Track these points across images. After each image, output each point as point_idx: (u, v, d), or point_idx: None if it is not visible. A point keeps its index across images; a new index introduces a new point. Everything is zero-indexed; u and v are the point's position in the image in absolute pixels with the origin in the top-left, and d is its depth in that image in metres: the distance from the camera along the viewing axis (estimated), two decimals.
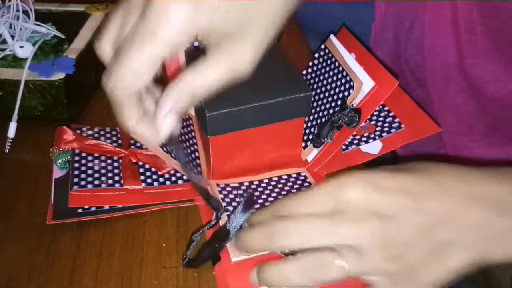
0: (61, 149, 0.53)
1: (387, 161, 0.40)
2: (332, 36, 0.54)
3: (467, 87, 0.58)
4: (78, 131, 0.55)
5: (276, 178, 0.50)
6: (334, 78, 0.52)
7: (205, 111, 0.45)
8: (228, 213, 0.46)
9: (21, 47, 0.60)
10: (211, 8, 0.31)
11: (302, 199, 0.36)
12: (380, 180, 0.34)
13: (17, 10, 0.63)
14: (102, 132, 0.55)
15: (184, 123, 0.54)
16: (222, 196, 0.48)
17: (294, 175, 0.51)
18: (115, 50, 0.31)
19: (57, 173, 0.51)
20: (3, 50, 0.61)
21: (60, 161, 0.52)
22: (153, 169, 0.51)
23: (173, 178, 0.50)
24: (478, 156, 0.60)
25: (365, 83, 0.49)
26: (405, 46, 0.64)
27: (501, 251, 0.34)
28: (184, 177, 0.50)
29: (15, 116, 0.57)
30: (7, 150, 0.56)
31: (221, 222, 0.45)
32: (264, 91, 0.47)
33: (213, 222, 0.45)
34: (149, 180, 0.50)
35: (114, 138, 0.54)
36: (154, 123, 0.32)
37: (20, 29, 0.63)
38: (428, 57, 0.60)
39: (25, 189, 0.51)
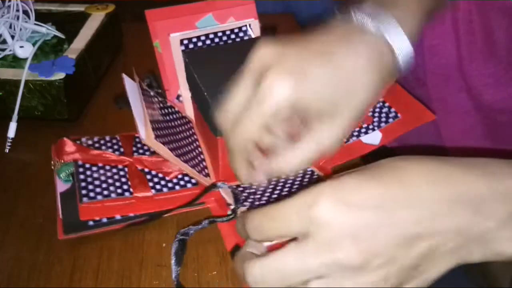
0: (63, 161, 0.51)
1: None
2: None
3: (466, 87, 0.58)
4: (78, 142, 0.53)
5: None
6: None
7: (214, 113, 0.45)
8: (246, 206, 0.47)
9: (21, 47, 0.61)
10: (308, 87, 0.37)
11: (269, 220, 0.34)
12: (348, 197, 0.32)
13: (17, 10, 0.63)
14: (102, 142, 0.53)
15: (185, 126, 0.55)
16: (233, 196, 0.48)
17: (301, 170, 0.51)
18: (234, 117, 0.40)
19: (62, 186, 0.49)
20: (3, 50, 0.62)
21: (63, 174, 0.50)
22: (160, 175, 0.50)
23: (182, 182, 0.50)
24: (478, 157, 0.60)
25: None
26: None
27: (480, 253, 0.33)
28: (193, 180, 0.50)
29: (15, 116, 0.57)
30: (7, 150, 0.56)
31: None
32: None
33: (230, 217, 0.46)
34: (158, 186, 0.49)
35: (116, 147, 0.53)
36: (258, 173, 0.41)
37: (20, 29, 0.63)
38: (428, 57, 0.60)
39: (25, 189, 0.52)
